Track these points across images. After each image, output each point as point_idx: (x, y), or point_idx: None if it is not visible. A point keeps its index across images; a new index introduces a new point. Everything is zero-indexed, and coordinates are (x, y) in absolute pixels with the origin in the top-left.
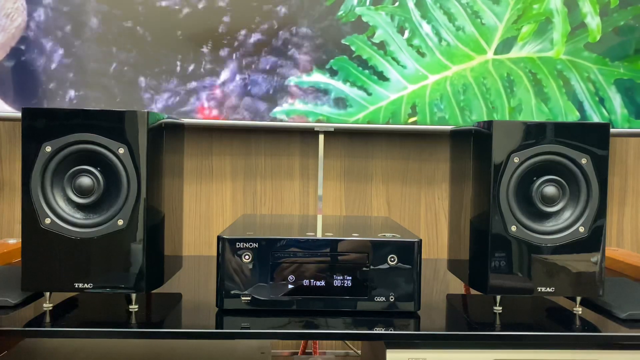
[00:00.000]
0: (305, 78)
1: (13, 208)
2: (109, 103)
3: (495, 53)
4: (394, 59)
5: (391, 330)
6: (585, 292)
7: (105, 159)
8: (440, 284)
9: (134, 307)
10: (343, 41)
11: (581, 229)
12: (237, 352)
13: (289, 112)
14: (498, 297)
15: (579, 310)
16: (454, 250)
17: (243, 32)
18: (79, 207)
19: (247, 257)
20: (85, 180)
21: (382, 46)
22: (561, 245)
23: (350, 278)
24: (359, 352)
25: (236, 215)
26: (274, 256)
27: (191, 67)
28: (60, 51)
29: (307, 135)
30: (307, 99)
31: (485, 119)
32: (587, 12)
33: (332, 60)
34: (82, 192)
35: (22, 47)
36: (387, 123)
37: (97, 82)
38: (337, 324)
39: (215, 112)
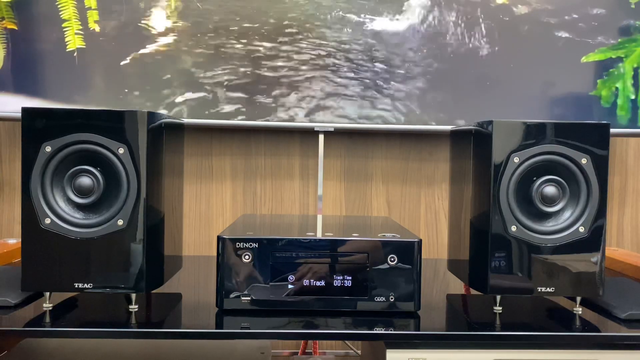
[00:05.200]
0: None
1: (13, 208)
2: None
3: None
4: None
5: (391, 330)
6: (585, 292)
7: (105, 158)
8: (440, 284)
9: (134, 307)
10: None
11: (581, 229)
12: (237, 352)
13: None
14: (498, 297)
15: (579, 310)
16: (454, 250)
17: None
18: (79, 207)
19: (247, 257)
20: (85, 180)
21: None
22: (561, 245)
23: (350, 278)
24: (359, 352)
25: (236, 215)
26: (274, 256)
27: None
28: None
29: (307, 135)
30: None
31: None
32: None
33: None
34: (82, 192)
35: None
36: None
37: None
38: (337, 324)
39: None
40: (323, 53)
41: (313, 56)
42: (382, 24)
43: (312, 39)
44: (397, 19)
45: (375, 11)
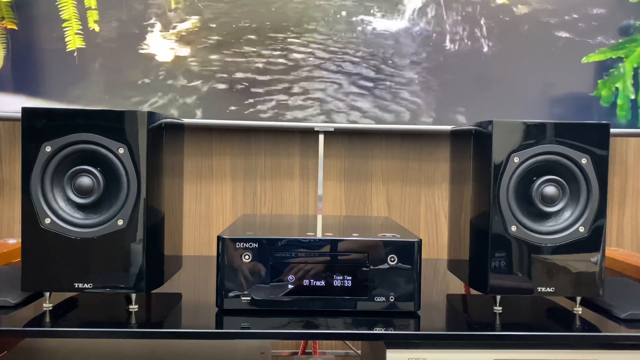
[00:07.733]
0: None
1: (13, 208)
2: None
3: None
4: None
5: (391, 330)
6: (585, 292)
7: (105, 158)
8: (440, 284)
9: (133, 307)
10: None
11: (581, 229)
12: (237, 352)
13: None
14: (498, 297)
15: (579, 310)
16: (454, 250)
17: None
18: (79, 207)
19: (247, 257)
20: (85, 180)
21: None
22: (561, 245)
23: (350, 278)
24: (359, 352)
25: (236, 215)
26: (274, 256)
27: None
28: None
29: (307, 135)
30: None
31: None
32: None
33: None
34: (82, 192)
35: None
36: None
37: None
38: (337, 324)
39: None
40: None
41: None
42: (381, 22)
43: None
44: (395, 18)
45: (370, 10)
